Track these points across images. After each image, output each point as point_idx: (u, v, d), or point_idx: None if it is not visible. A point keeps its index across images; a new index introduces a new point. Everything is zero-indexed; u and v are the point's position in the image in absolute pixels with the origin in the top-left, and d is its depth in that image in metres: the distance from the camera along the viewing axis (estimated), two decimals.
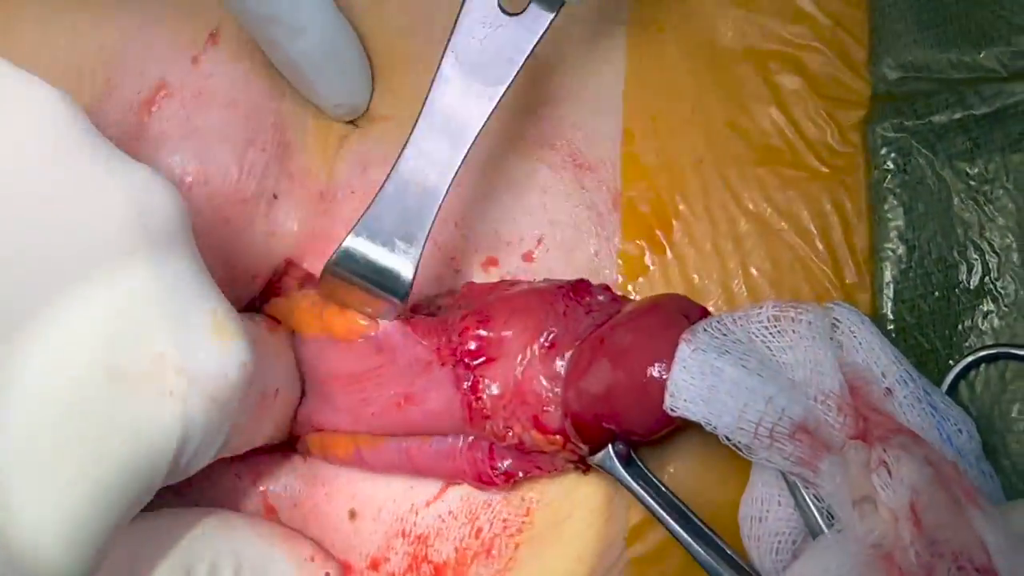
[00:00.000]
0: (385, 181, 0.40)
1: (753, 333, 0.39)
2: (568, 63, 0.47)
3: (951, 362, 0.42)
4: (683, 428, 0.40)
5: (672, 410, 0.37)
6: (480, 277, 0.46)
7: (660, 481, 0.41)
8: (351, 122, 0.47)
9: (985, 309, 0.43)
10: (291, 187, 0.45)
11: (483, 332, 0.41)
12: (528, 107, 0.47)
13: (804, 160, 0.45)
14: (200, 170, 0.43)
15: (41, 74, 0.43)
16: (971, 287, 0.43)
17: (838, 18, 0.46)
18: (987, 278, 0.43)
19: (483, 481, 0.42)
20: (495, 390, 0.40)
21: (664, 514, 0.40)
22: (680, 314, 0.40)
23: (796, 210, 0.44)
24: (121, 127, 0.44)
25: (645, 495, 0.40)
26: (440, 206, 0.40)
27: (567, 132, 0.46)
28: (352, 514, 0.44)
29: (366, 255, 0.40)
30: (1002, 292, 0.42)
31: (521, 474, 0.42)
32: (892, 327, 0.43)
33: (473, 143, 0.39)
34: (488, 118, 0.39)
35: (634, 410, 0.39)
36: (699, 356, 0.37)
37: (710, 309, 0.43)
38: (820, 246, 0.44)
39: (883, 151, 0.44)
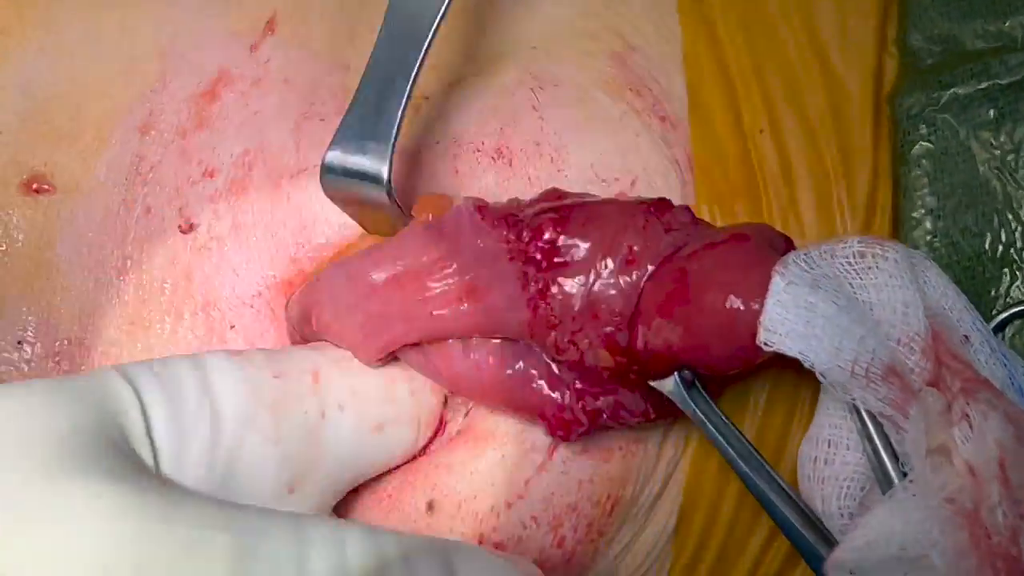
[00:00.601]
0: (354, 93, 0.41)
1: (838, 268, 0.37)
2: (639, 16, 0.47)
3: None
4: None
5: (767, 344, 0.35)
6: None
7: (723, 413, 0.40)
8: None
9: (1010, 278, 0.43)
10: None
11: (559, 233, 0.39)
12: (614, 53, 0.46)
13: (854, 133, 0.44)
14: (258, 150, 0.44)
15: (87, 69, 0.45)
16: (996, 256, 0.43)
17: None
18: (1012, 248, 0.43)
19: (559, 421, 0.40)
20: (565, 297, 0.39)
21: (727, 446, 0.39)
22: (767, 245, 0.38)
23: (853, 183, 0.44)
24: (179, 117, 0.44)
25: (709, 426, 0.39)
26: (405, 102, 0.40)
27: (649, 82, 0.45)
28: (430, 506, 0.43)
29: (343, 164, 0.41)
30: None
31: (606, 416, 0.40)
32: None
33: (430, 41, 0.40)
34: (442, 13, 0.40)
35: (718, 344, 0.37)
36: (792, 290, 0.35)
37: None
38: (877, 221, 0.44)
39: (909, 121, 0.44)
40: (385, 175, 0.41)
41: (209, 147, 0.44)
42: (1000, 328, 0.43)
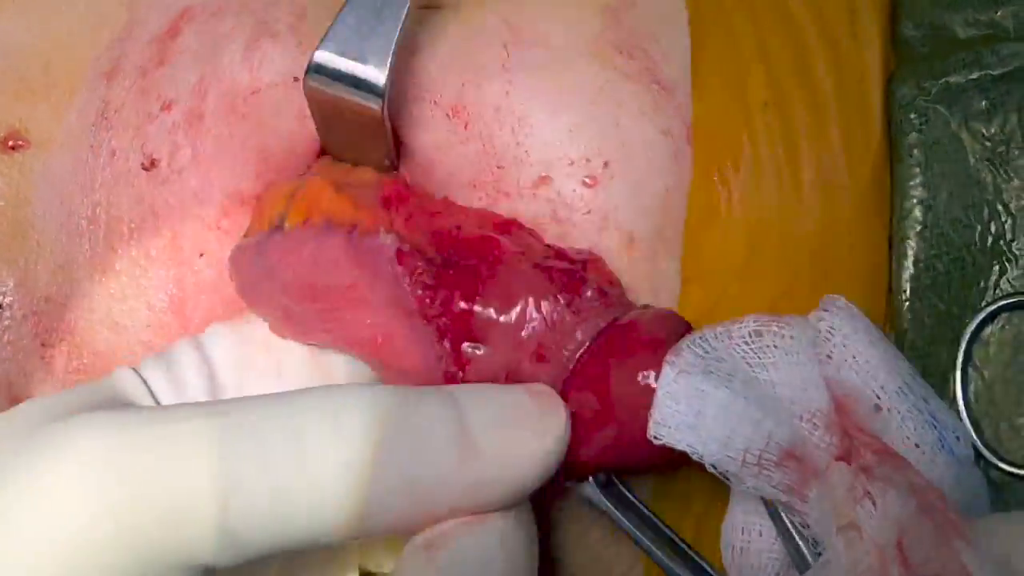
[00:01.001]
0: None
1: (734, 350, 0.37)
2: None
3: (966, 322, 0.42)
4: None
5: (657, 438, 0.35)
6: (526, 199, 0.41)
7: (645, 505, 0.39)
8: None
9: (999, 270, 0.43)
10: None
11: (471, 306, 0.37)
12: (608, 6, 0.43)
13: (860, 115, 0.44)
14: (212, 75, 0.42)
15: (57, 22, 0.43)
16: (986, 247, 0.43)
17: None
18: (1002, 240, 0.43)
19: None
20: (481, 377, 0.37)
21: (646, 541, 0.38)
22: (660, 333, 0.37)
23: (857, 165, 0.43)
24: (142, 57, 0.43)
25: (627, 523, 0.39)
26: (407, 12, 0.38)
27: (645, 41, 0.42)
28: None
29: (336, 67, 0.38)
30: (1018, 253, 0.42)
31: None
32: (908, 287, 0.43)
33: None
34: None
35: (626, 446, 0.36)
36: (683, 380, 0.35)
37: (772, 266, 0.41)
38: (875, 203, 0.43)
39: (901, 111, 0.44)
40: (383, 84, 0.38)
41: (167, 80, 0.43)
42: (989, 320, 0.42)
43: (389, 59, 0.38)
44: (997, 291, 0.43)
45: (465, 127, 0.41)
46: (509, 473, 0.32)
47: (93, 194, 0.42)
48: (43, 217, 0.42)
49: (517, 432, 0.33)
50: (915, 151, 0.43)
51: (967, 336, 0.42)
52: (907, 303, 0.43)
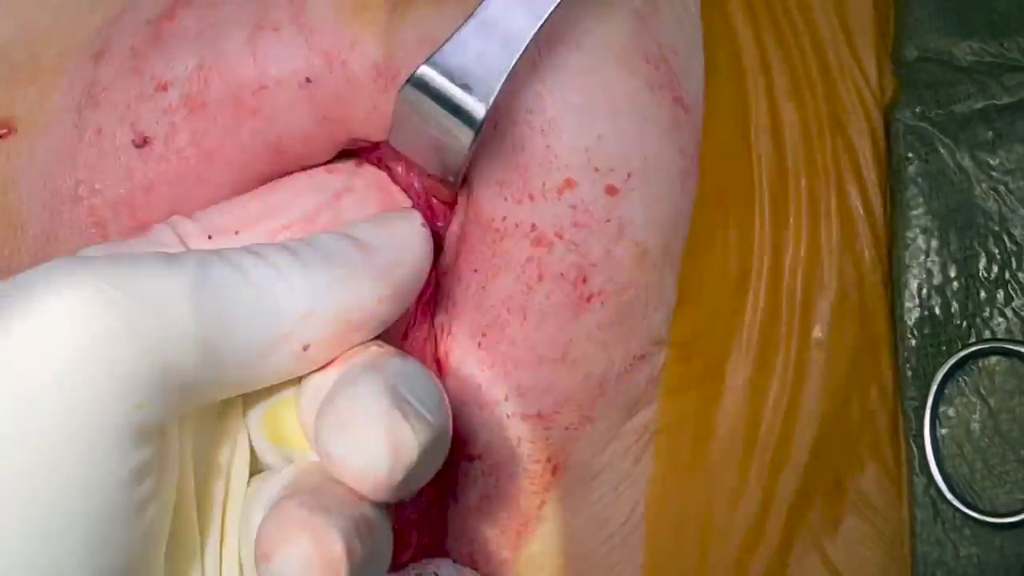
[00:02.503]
0: (467, 18, 0.37)
1: None
2: None
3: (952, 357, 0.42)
4: None
5: None
6: (550, 202, 0.41)
7: None
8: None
9: (1004, 299, 0.42)
10: (328, 70, 0.41)
11: None
12: (636, 10, 0.42)
13: (853, 143, 0.44)
14: (213, 62, 0.41)
15: (50, 8, 0.44)
16: (991, 278, 0.42)
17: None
18: (1007, 270, 0.42)
19: None
20: None
21: None
22: None
23: (844, 193, 0.43)
24: (135, 39, 0.43)
25: None
26: (523, 52, 0.37)
27: (667, 53, 0.42)
28: None
29: (439, 88, 0.37)
30: (1022, 283, 0.42)
31: None
32: (912, 317, 0.43)
33: None
34: None
35: None
36: None
37: (761, 289, 0.42)
38: (862, 230, 0.43)
39: (904, 140, 0.44)
40: (481, 117, 0.37)
41: (162, 61, 0.42)
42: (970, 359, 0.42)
43: (495, 94, 0.37)
44: (1001, 321, 0.42)
45: (495, 127, 0.41)
46: (405, 255, 0.38)
47: (76, 171, 0.42)
48: (28, 200, 0.42)
49: (391, 226, 0.39)
50: (919, 180, 0.43)
51: (938, 379, 0.42)
52: (910, 333, 0.43)
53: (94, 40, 0.43)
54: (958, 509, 0.41)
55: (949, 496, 0.41)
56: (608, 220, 0.40)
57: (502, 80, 0.37)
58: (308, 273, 0.35)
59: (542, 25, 0.37)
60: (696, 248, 0.42)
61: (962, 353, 0.42)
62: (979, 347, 0.42)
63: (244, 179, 0.42)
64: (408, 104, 0.38)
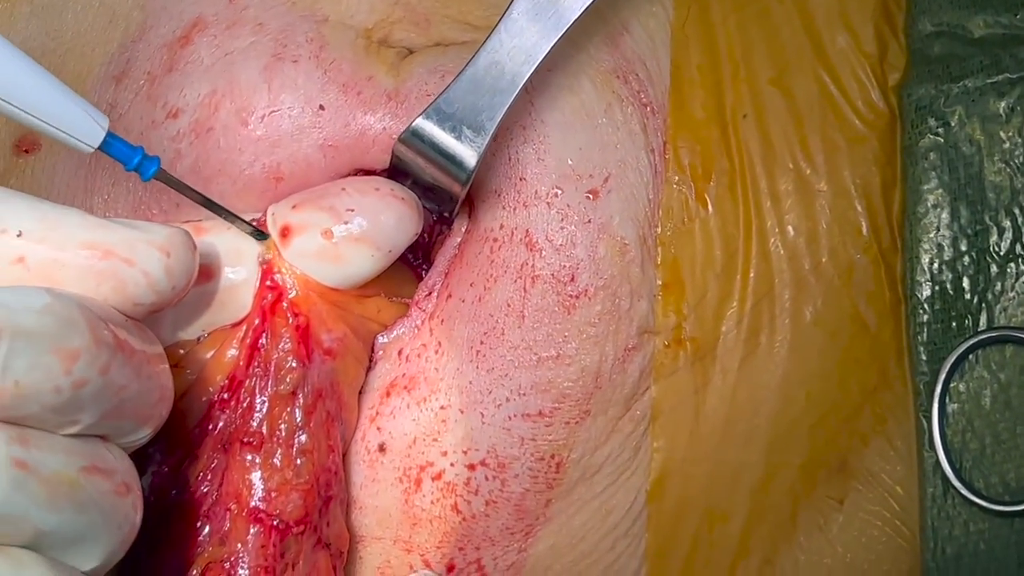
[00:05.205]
0: (463, 69, 0.41)
1: None
2: None
3: (980, 327, 0.42)
4: None
5: None
6: (541, 209, 0.44)
7: None
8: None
9: (1016, 274, 0.42)
10: (343, 98, 0.44)
11: None
12: (609, 34, 0.46)
13: (847, 121, 0.44)
14: (226, 89, 0.44)
15: (73, 24, 0.46)
16: (1002, 252, 0.42)
17: None
18: (1018, 243, 0.42)
19: None
20: None
21: None
22: None
23: (836, 171, 0.44)
24: (151, 64, 0.45)
25: None
26: (513, 101, 0.40)
27: (637, 67, 0.45)
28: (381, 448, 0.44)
29: (433, 137, 0.41)
30: None
31: None
32: (924, 292, 0.43)
33: (562, 36, 0.40)
34: (587, 9, 0.40)
35: None
36: None
37: (750, 271, 0.43)
38: (859, 207, 0.44)
39: (917, 114, 0.44)
40: (472, 166, 0.41)
41: (176, 89, 0.44)
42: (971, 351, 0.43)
43: (486, 142, 0.41)
44: (1014, 292, 0.42)
45: (495, 139, 0.43)
46: None
47: (92, 197, 0.45)
48: None
49: None
50: (931, 154, 0.43)
51: (951, 360, 0.42)
52: (922, 307, 0.43)
53: (116, 58, 0.45)
54: (964, 497, 0.42)
55: (956, 483, 0.42)
56: (589, 221, 0.43)
57: (494, 128, 0.41)
58: None
59: (532, 72, 0.40)
60: (675, 236, 0.44)
61: (973, 340, 0.42)
62: (990, 335, 0.42)
63: (237, 208, 0.43)
64: (405, 152, 0.42)
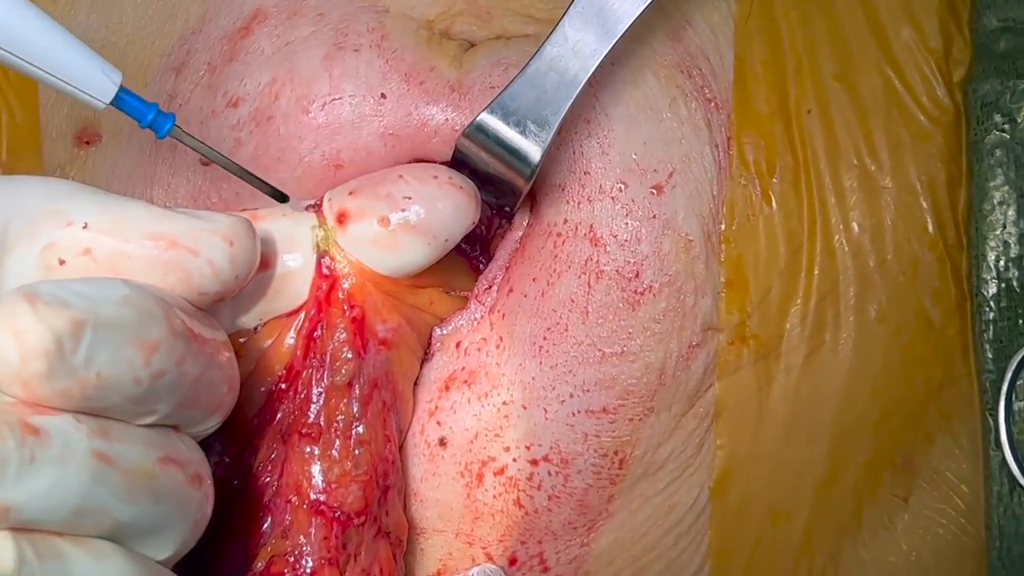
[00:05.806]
0: (526, 64, 0.41)
1: None
2: None
3: None
4: None
5: None
6: (605, 203, 0.44)
7: None
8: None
9: None
10: (405, 87, 0.44)
11: None
12: (672, 28, 0.46)
13: (912, 116, 0.44)
14: (287, 78, 0.44)
15: (133, 16, 0.46)
16: None
17: None
18: None
19: None
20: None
21: None
22: None
23: (902, 167, 0.43)
24: (212, 54, 0.45)
25: None
26: (577, 96, 0.40)
27: (700, 61, 0.45)
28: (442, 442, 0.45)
29: (497, 132, 0.41)
30: None
31: None
32: (990, 289, 0.43)
33: (621, 37, 0.40)
34: (642, 12, 0.40)
35: None
36: None
37: (815, 268, 0.43)
38: (924, 204, 0.43)
39: (982, 110, 0.43)
40: (536, 160, 0.41)
41: (236, 78, 0.44)
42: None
43: (551, 137, 0.41)
44: None
45: (559, 132, 0.43)
46: None
47: (152, 187, 0.45)
48: None
49: None
50: (996, 151, 0.43)
51: (1019, 357, 0.42)
52: (987, 305, 0.42)
53: (176, 49, 0.46)
54: None
55: (1023, 481, 0.42)
56: (654, 216, 0.43)
57: (558, 123, 0.41)
58: None
59: (596, 67, 0.41)
60: (739, 232, 0.44)
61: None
62: None
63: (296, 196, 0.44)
64: (468, 146, 0.42)
